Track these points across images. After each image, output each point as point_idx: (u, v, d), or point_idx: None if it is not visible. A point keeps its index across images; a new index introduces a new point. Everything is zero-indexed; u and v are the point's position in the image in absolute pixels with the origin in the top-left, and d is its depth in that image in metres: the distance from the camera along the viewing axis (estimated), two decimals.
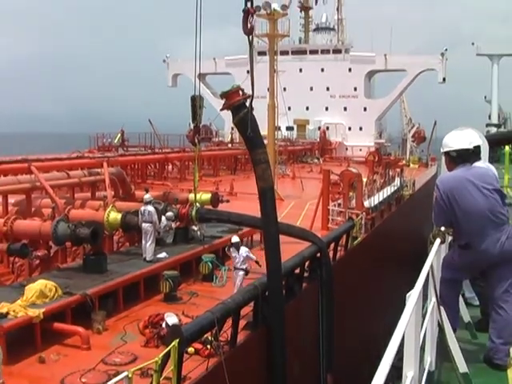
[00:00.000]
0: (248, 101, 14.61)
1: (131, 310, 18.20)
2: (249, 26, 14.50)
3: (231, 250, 19.12)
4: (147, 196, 22.45)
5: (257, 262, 19.15)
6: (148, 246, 21.20)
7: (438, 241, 9.85)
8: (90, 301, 16.59)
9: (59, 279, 17.90)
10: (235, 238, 19.42)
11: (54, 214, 22.23)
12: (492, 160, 12.33)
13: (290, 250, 19.43)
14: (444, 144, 10.92)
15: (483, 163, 11.02)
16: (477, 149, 10.89)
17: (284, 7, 48.68)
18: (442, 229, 10.12)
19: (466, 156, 10.58)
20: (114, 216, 22.11)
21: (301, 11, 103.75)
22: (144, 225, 21.45)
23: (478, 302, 13.58)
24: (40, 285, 16.40)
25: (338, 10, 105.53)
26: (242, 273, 18.74)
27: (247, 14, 14.44)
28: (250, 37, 14.69)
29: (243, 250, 19.01)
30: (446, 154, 10.84)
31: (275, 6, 45.75)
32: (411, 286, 7.16)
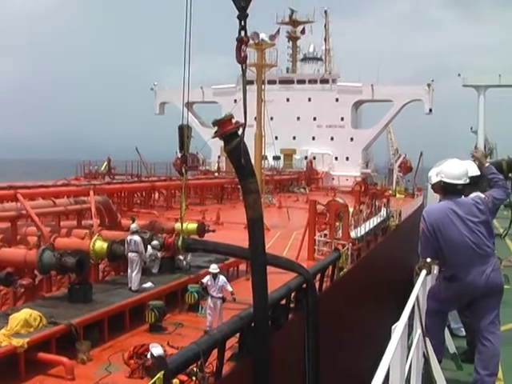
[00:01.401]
0: (240, 129, 14.63)
1: (116, 340, 18.07)
2: (242, 54, 14.57)
3: (207, 277, 19.10)
4: (134, 225, 22.44)
5: (232, 294, 19.10)
6: (134, 275, 21.12)
7: (423, 272, 9.85)
8: (75, 330, 16.49)
9: (44, 308, 17.79)
10: (214, 267, 19.41)
11: (40, 243, 22.13)
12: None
13: (277, 280, 19.38)
14: (441, 172, 10.76)
15: (474, 194, 10.98)
16: (473, 180, 10.94)
17: (272, 37, 48.98)
18: (428, 260, 10.13)
19: (458, 190, 10.56)
20: (100, 245, 22.02)
21: (288, 41, 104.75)
22: (130, 254, 21.39)
23: (464, 333, 13.56)
24: (24, 314, 16.30)
25: (325, 40, 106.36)
26: (220, 301, 18.73)
27: (241, 43, 14.51)
28: (244, 65, 14.75)
29: (221, 279, 18.98)
30: (439, 182, 10.78)
31: (263, 35, 46.01)
32: (397, 317, 7.16)
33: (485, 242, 10.23)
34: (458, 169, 10.65)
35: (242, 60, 14.62)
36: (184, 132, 19.97)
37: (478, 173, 11.41)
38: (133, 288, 20.91)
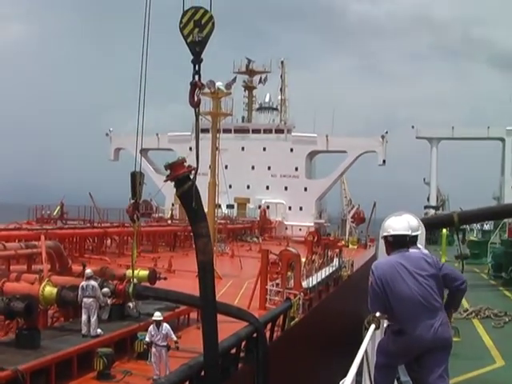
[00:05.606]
0: (192, 173, 14.69)
1: None
2: (195, 99, 14.69)
3: (151, 326, 19.04)
4: (88, 271, 22.40)
5: (176, 343, 18.99)
6: (93, 320, 21.06)
7: (372, 327, 9.88)
8: (22, 377, 16.24)
9: None
10: (157, 315, 19.35)
11: None
12: (429, 242, 12.41)
13: (227, 329, 19.34)
14: (383, 228, 10.99)
15: (421, 248, 11.14)
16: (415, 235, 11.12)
17: (228, 86, 49.26)
18: (377, 314, 10.16)
19: (403, 242, 10.68)
20: (50, 290, 21.82)
21: (245, 90, 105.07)
22: (87, 300, 21.27)
23: None
24: None
25: (281, 90, 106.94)
26: (165, 350, 18.62)
27: (194, 87, 14.65)
28: (197, 110, 14.86)
29: (164, 327, 18.90)
30: (385, 237, 10.93)
31: (219, 84, 46.31)
32: (348, 367, 7.16)
33: (433, 295, 10.29)
34: (403, 221, 10.82)
35: (195, 104, 14.75)
36: (136, 179, 19.95)
37: (418, 227, 11.62)
38: (93, 333, 20.79)
